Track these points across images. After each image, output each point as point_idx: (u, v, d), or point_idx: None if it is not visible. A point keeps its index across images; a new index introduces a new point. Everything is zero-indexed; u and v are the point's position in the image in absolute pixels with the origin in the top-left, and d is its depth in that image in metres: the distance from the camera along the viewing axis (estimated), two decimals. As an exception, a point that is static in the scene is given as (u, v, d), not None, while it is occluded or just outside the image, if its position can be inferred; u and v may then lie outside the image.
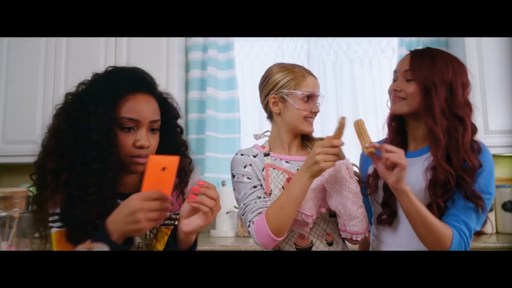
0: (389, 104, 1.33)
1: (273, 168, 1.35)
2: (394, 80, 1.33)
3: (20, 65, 2.65)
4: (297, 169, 1.30)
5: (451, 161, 1.19)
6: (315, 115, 1.39)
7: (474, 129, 1.24)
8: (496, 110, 2.39)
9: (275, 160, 1.37)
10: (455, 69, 1.23)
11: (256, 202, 1.28)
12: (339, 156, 1.23)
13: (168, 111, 1.16)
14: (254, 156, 1.38)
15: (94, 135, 1.00)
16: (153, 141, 1.08)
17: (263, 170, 1.35)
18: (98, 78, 1.09)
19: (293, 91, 1.34)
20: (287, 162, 1.38)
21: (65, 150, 1.01)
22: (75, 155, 1.01)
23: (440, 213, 1.19)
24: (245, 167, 1.35)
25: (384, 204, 1.31)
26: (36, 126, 2.58)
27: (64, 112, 1.06)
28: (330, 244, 1.33)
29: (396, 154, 1.10)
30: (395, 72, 1.33)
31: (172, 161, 0.92)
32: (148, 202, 0.90)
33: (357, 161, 1.48)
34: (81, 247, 0.59)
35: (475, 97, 2.38)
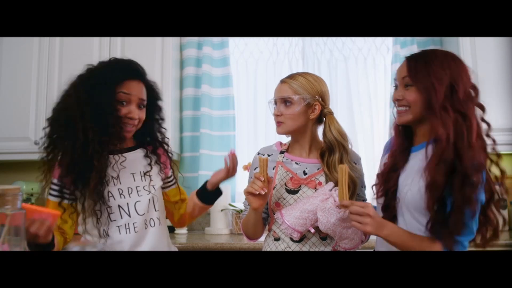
0: (395, 113, 1.37)
1: (282, 166, 1.48)
2: (395, 89, 1.34)
3: (13, 63, 2.62)
4: (303, 171, 1.46)
5: (461, 158, 1.16)
6: (278, 117, 1.46)
7: (480, 125, 1.23)
8: (490, 108, 2.38)
9: (286, 160, 1.50)
10: (452, 68, 1.23)
11: (246, 209, 1.51)
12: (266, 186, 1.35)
13: (152, 94, 1.48)
14: (269, 155, 1.51)
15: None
16: (141, 114, 1.40)
17: (273, 168, 1.49)
18: (103, 65, 1.39)
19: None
20: (297, 163, 1.48)
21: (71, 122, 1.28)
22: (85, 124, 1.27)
23: (441, 204, 1.18)
24: (255, 168, 1.52)
25: (384, 208, 1.33)
26: (29, 124, 2.56)
27: (75, 89, 1.33)
28: (324, 239, 1.42)
29: (357, 217, 1.17)
30: (395, 80, 1.35)
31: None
32: None
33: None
34: (73, 245, 0.59)
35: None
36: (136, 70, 1.42)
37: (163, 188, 1.52)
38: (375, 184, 1.41)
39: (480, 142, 1.20)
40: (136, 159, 1.45)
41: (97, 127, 1.28)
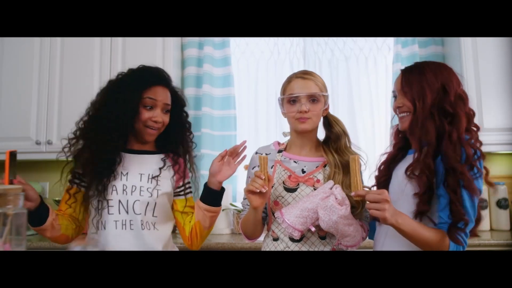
0: (394, 121, 1.49)
1: (280, 165, 1.49)
2: (395, 99, 1.41)
3: (15, 63, 2.62)
4: (302, 169, 1.46)
5: (447, 156, 1.22)
6: (306, 113, 1.43)
7: (471, 115, 1.31)
8: (491, 108, 2.40)
9: (284, 158, 1.51)
10: (444, 75, 1.31)
11: (245, 209, 1.53)
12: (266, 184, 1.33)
13: (177, 100, 1.55)
14: (267, 154, 1.51)
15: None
16: (165, 118, 1.49)
17: (272, 166, 1.50)
18: (131, 72, 1.50)
19: (280, 96, 1.52)
20: (295, 162, 1.49)
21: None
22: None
23: (430, 194, 1.24)
24: (253, 168, 1.53)
25: None
26: (30, 124, 2.57)
27: (105, 94, 1.46)
28: (323, 238, 1.42)
29: (375, 205, 1.16)
30: (393, 91, 1.42)
31: None
32: None
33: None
34: (75, 245, 0.59)
35: (470, 95, 2.39)
36: (162, 77, 1.51)
37: (174, 196, 1.53)
38: (372, 186, 1.48)
39: (469, 137, 1.27)
40: (150, 162, 1.50)
41: (117, 128, 1.39)
